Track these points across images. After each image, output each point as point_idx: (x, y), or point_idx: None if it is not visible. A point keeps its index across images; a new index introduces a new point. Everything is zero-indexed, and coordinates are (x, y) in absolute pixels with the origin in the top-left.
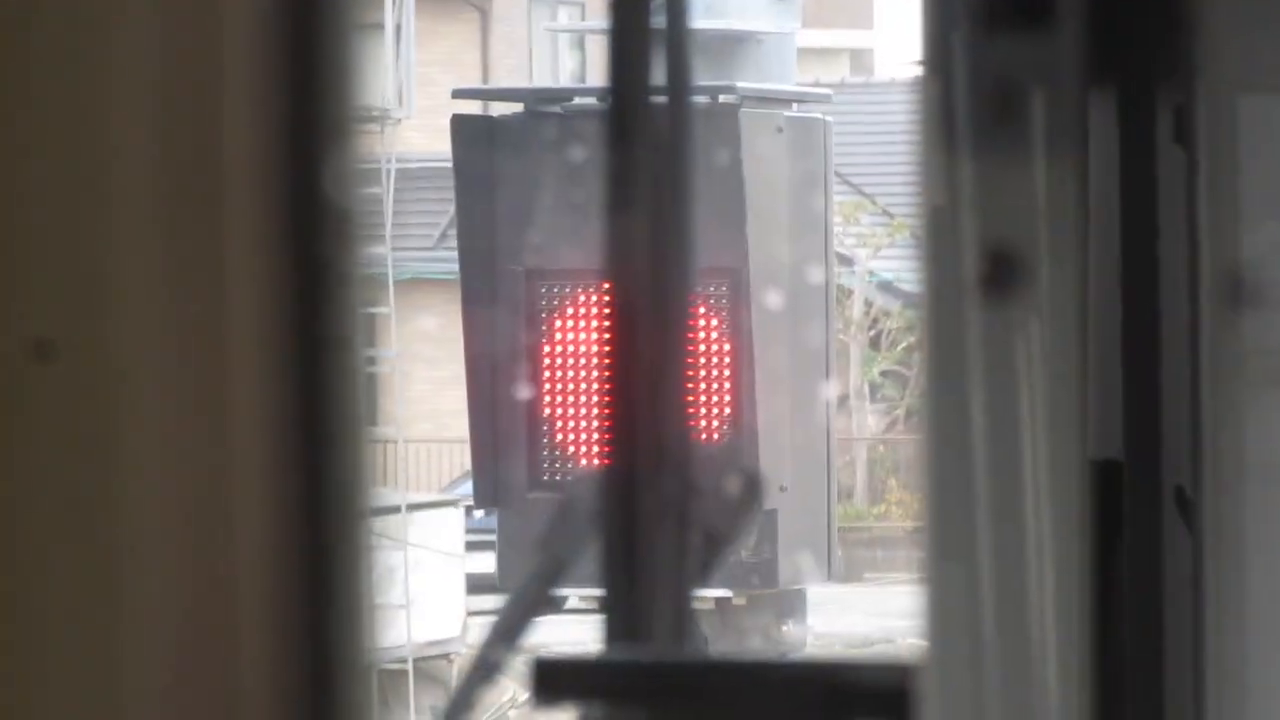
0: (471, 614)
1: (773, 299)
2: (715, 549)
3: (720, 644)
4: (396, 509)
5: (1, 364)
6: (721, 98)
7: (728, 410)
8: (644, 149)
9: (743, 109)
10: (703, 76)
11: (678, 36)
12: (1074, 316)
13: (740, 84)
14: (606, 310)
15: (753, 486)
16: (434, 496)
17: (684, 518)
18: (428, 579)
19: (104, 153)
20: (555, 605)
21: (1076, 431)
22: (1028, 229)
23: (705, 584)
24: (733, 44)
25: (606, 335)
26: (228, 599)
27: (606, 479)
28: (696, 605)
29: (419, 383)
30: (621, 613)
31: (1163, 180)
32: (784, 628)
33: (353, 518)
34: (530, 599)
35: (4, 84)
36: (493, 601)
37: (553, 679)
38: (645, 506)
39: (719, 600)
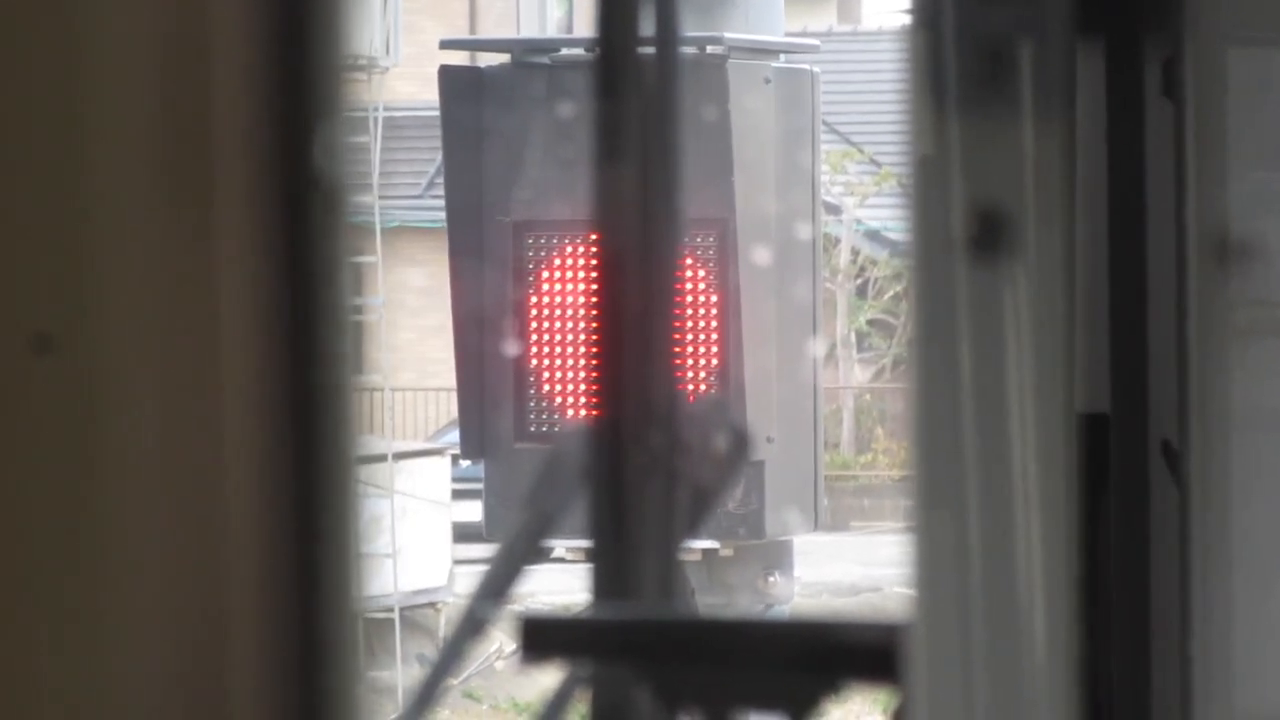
0: (458, 563)
1: (759, 251)
2: (703, 503)
3: (707, 595)
4: (383, 457)
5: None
6: (709, 49)
7: (715, 363)
8: (632, 100)
9: (730, 60)
10: (690, 28)
11: None
12: (1061, 271)
13: (728, 35)
14: (594, 262)
15: (740, 440)
16: (420, 445)
17: (671, 472)
18: (414, 528)
19: (91, 124)
20: (543, 557)
21: (1064, 385)
22: (1016, 185)
23: (693, 538)
24: None
25: (594, 287)
26: (219, 551)
27: (594, 432)
28: (684, 559)
29: (405, 330)
30: (609, 567)
31: (1150, 133)
32: (771, 579)
33: (342, 469)
34: (519, 551)
35: None
36: (479, 550)
37: (540, 636)
38: (633, 460)
39: (705, 552)
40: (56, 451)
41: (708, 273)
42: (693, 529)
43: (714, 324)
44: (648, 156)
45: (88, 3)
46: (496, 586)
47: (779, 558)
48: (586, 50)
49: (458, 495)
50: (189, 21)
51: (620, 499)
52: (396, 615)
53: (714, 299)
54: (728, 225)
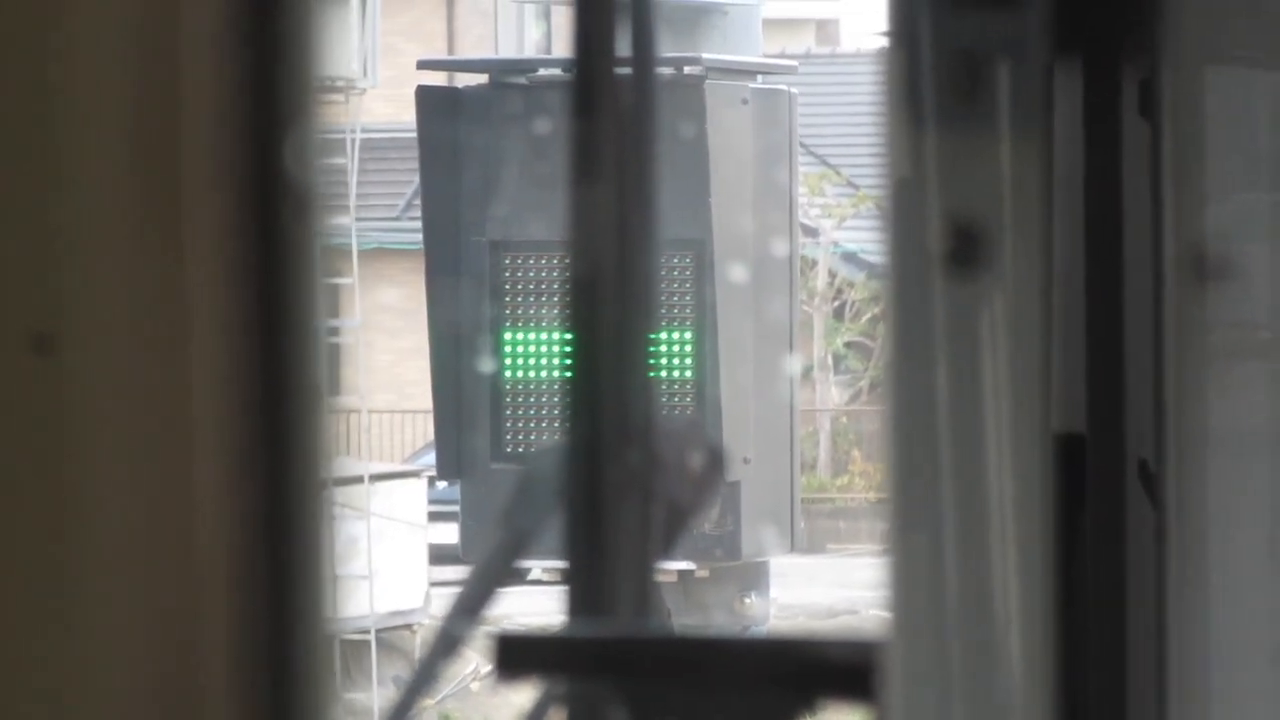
0: (434, 585)
1: (736, 271)
2: (679, 522)
3: (683, 616)
4: (359, 479)
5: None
6: (687, 69)
7: (690, 383)
8: (609, 120)
9: (708, 81)
10: (668, 48)
11: (643, 6)
12: (1039, 290)
13: (705, 55)
14: (569, 282)
15: (716, 460)
16: (397, 467)
17: (648, 491)
18: (390, 549)
19: (60, 133)
20: (519, 577)
21: (1040, 404)
22: (993, 203)
23: (669, 558)
24: (698, 15)
25: (569, 306)
26: (190, 572)
27: (569, 452)
28: (660, 579)
29: (382, 352)
30: (584, 586)
31: (1127, 154)
32: (747, 600)
33: (315, 489)
34: (493, 571)
35: None
36: (455, 572)
37: (516, 655)
38: (609, 479)
39: (682, 573)
40: (27, 460)
41: (684, 293)
42: (669, 548)
43: (690, 344)
44: (624, 176)
45: (61, 8)
46: (471, 606)
47: (755, 579)
48: (564, 70)
49: (434, 517)
50: (161, 29)
51: (596, 518)
52: (372, 637)
53: (690, 319)
54: (704, 245)
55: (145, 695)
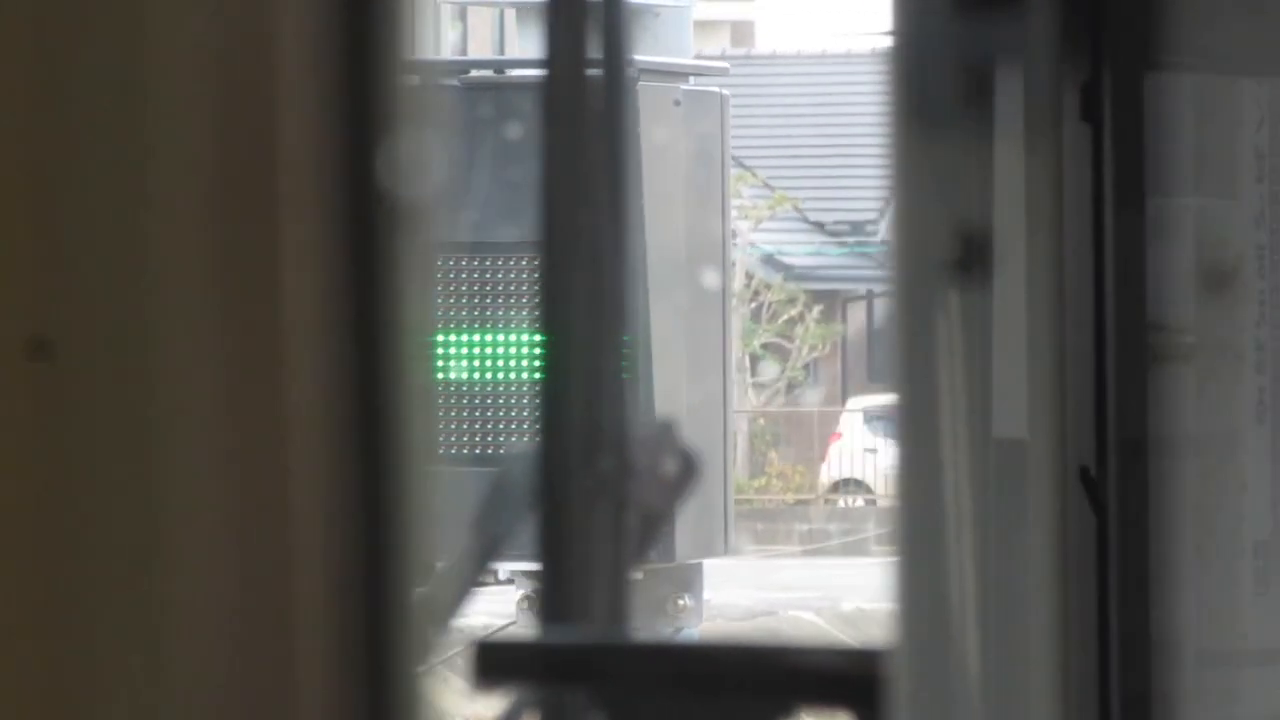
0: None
1: (669, 273)
2: (651, 527)
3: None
4: None
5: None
6: None
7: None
8: (581, 123)
9: (640, 82)
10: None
11: (614, 10)
12: (1046, 296)
13: (637, 57)
14: (540, 284)
15: (689, 464)
16: None
17: (619, 495)
18: None
19: (150, 140)
20: (489, 581)
21: (1052, 408)
22: (996, 207)
23: (641, 562)
24: (629, 16)
25: (540, 310)
26: (284, 586)
27: (540, 457)
28: (632, 582)
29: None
30: (557, 592)
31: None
32: (681, 601)
33: (410, 485)
34: (464, 576)
35: (56, 85)
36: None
37: (495, 660)
38: (581, 484)
39: None
40: (123, 457)
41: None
42: (642, 553)
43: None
44: (596, 178)
45: (152, 9)
46: (442, 610)
47: (689, 580)
48: (495, 71)
49: None
50: (254, 34)
51: (568, 523)
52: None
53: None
54: (638, 248)
55: (238, 680)
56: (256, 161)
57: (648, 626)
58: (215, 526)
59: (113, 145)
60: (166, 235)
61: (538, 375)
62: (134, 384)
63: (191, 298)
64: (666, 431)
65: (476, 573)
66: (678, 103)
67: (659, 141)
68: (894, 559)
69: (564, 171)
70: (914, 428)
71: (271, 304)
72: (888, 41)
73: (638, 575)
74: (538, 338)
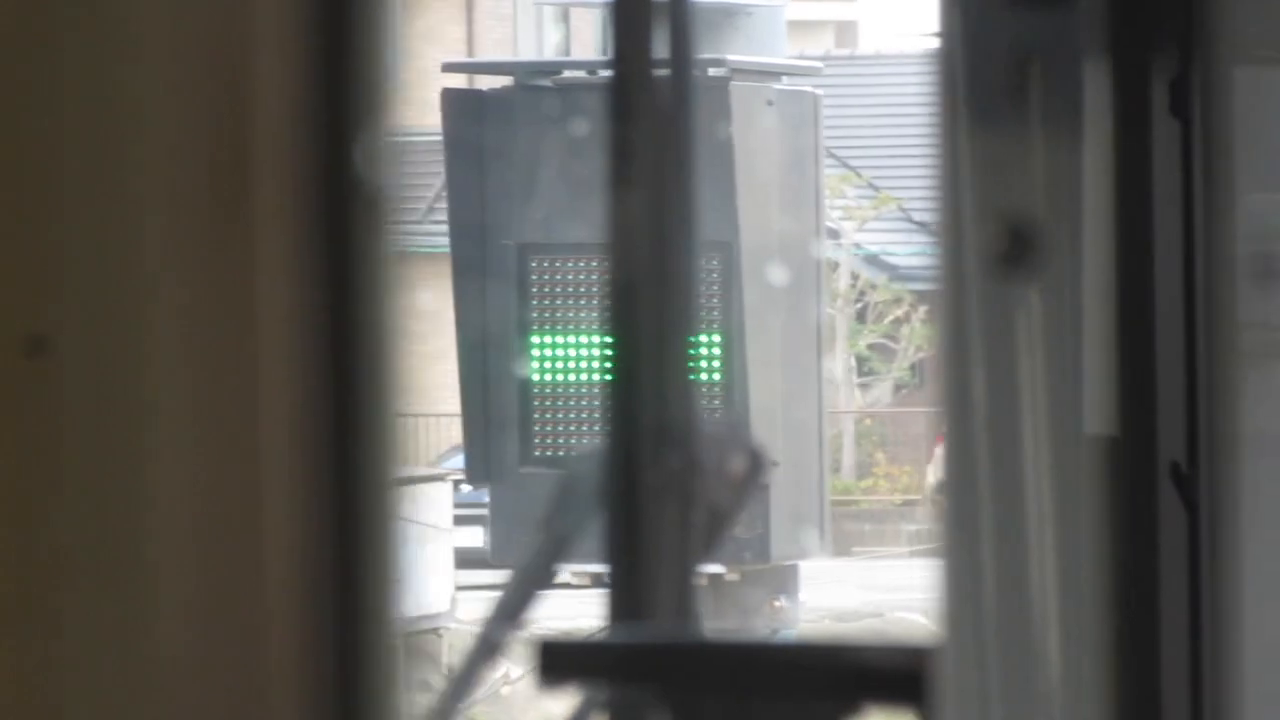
0: (460, 588)
1: (765, 274)
2: (718, 525)
3: (714, 620)
4: None
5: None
6: (711, 71)
7: (719, 386)
8: (647, 123)
9: (733, 82)
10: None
11: (681, 9)
12: (1096, 290)
13: (730, 57)
14: (607, 284)
15: (755, 462)
16: (423, 470)
17: (687, 494)
18: (417, 553)
19: (129, 138)
20: (557, 582)
21: (1076, 407)
22: (1043, 200)
23: (709, 561)
24: (723, 16)
25: (608, 310)
26: (255, 578)
27: (608, 456)
28: (699, 582)
29: (406, 356)
30: (625, 591)
31: (1158, 153)
32: (778, 603)
33: (382, 484)
34: (532, 576)
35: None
36: (480, 576)
37: (559, 659)
38: (648, 484)
39: (712, 576)
40: (98, 456)
41: (712, 296)
42: (709, 552)
43: (718, 347)
44: (662, 178)
45: (132, 10)
46: (510, 611)
47: (786, 582)
48: (589, 72)
49: (460, 520)
50: (232, 29)
51: (636, 522)
52: (400, 641)
53: (718, 322)
54: (732, 248)
55: (210, 683)
56: (233, 160)
57: (744, 628)
58: (190, 521)
59: (90, 144)
60: (142, 233)
61: (606, 375)
62: (108, 381)
63: (167, 296)
64: (734, 429)
65: (544, 573)
66: (770, 102)
67: (752, 141)
68: (974, 558)
69: (630, 171)
70: (958, 424)
71: (247, 302)
72: (932, 37)
73: (734, 577)
74: (607, 337)
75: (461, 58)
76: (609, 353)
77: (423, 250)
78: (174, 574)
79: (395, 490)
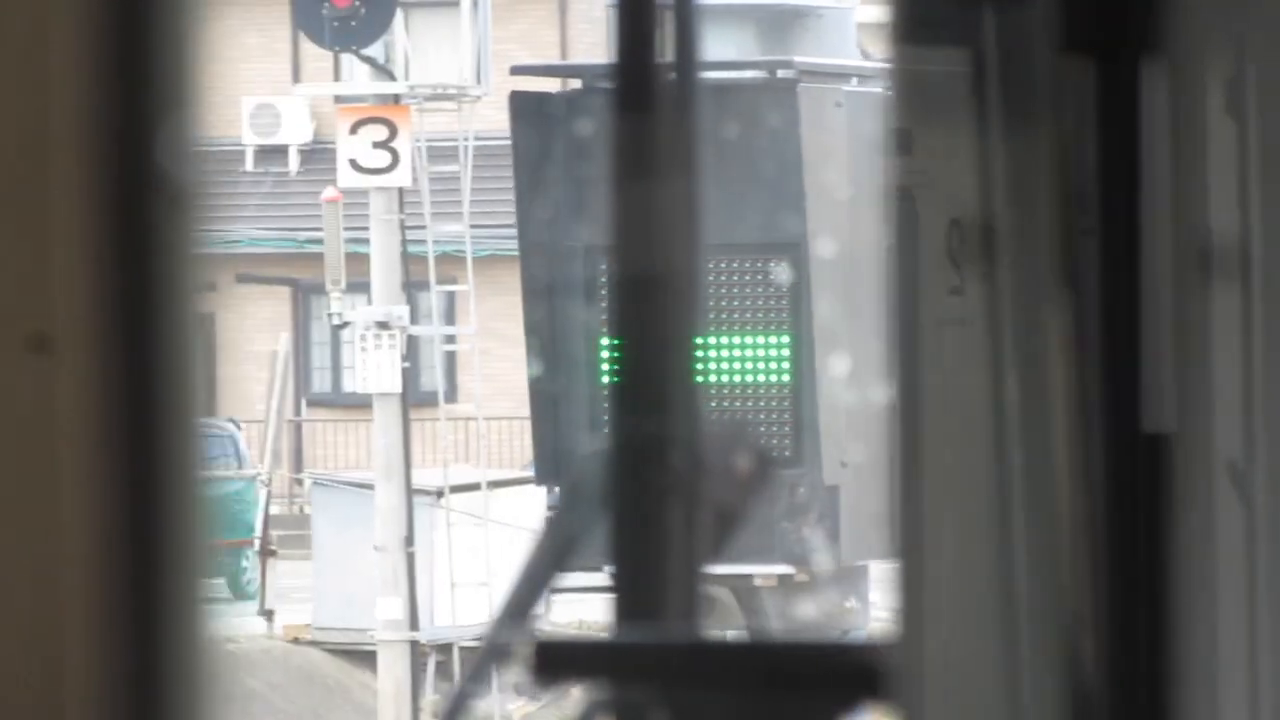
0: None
1: (833, 275)
2: (726, 528)
3: (782, 621)
4: (477, 486)
5: None
6: (779, 73)
7: (788, 387)
8: (653, 121)
9: (801, 84)
10: (762, 51)
11: (685, 8)
12: (1051, 289)
13: (798, 59)
14: (612, 283)
15: (763, 464)
16: (514, 473)
17: (694, 496)
18: (507, 556)
19: None
20: (566, 584)
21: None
22: (1002, 197)
23: (716, 562)
24: (791, 18)
25: (613, 309)
26: (52, 581)
27: (614, 457)
28: (707, 583)
29: (499, 360)
30: (632, 592)
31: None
32: (848, 604)
33: (184, 481)
34: (538, 578)
35: None
36: (571, 577)
37: (552, 660)
38: (655, 485)
39: (782, 577)
40: None
41: (781, 296)
42: (716, 553)
43: (787, 348)
44: (669, 177)
45: None
46: (518, 612)
47: (855, 583)
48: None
49: None
50: (28, 20)
51: (643, 523)
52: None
53: (787, 322)
54: (801, 249)
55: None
56: (27, 145)
57: (813, 629)
58: None
59: None
60: None
61: (611, 377)
62: None
63: None
64: (739, 431)
65: (551, 575)
66: (839, 104)
67: (820, 143)
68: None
69: (635, 172)
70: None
71: (42, 286)
72: (894, 31)
73: (803, 578)
74: (610, 339)
75: (555, 62)
76: (615, 353)
77: (514, 254)
78: None
79: (197, 490)
